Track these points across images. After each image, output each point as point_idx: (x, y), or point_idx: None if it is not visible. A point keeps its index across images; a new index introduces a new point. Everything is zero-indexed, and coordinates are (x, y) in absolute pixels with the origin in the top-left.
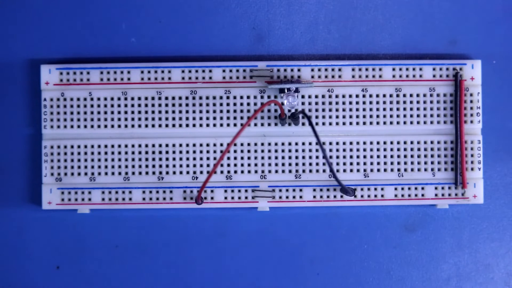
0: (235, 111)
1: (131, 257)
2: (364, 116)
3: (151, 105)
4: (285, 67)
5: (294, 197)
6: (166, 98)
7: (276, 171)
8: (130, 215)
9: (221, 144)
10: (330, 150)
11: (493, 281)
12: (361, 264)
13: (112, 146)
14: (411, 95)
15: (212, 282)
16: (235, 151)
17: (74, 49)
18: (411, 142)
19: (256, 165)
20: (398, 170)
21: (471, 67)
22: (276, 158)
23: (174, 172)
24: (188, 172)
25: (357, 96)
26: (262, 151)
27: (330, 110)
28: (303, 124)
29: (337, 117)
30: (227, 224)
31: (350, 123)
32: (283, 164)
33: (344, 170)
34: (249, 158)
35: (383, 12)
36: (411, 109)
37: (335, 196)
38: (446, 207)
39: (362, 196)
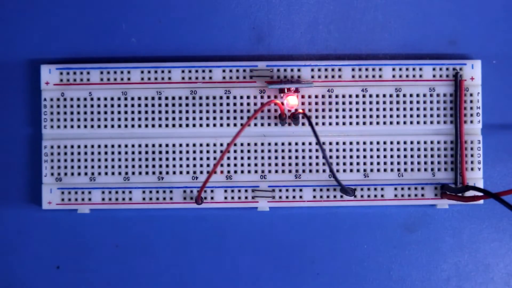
0: (235, 111)
1: (131, 257)
2: (364, 116)
3: (151, 105)
4: (285, 67)
5: (294, 197)
6: (166, 98)
7: (276, 171)
8: (130, 215)
9: (221, 144)
10: (330, 150)
11: (493, 281)
12: (361, 264)
13: (112, 146)
14: (411, 95)
15: (212, 282)
16: (235, 151)
17: (74, 49)
18: (411, 142)
19: (256, 165)
20: (398, 170)
21: (471, 67)
22: (276, 158)
23: (174, 172)
24: (188, 172)
25: (357, 96)
26: (262, 151)
27: (330, 110)
28: (303, 124)
29: (337, 117)
30: (227, 224)
31: (350, 123)
32: (283, 164)
33: (344, 170)
34: (249, 158)
35: (383, 12)
36: (411, 109)
37: (335, 196)
38: (446, 207)
39: (362, 196)
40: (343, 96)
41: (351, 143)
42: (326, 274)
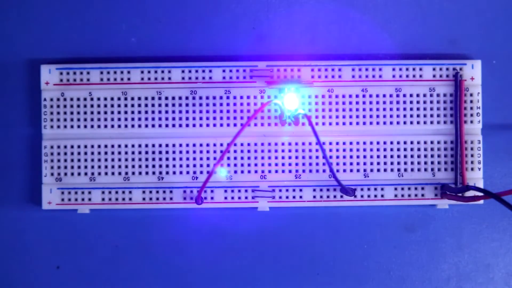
0: (235, 111)
1: (131, 257)
2: (364, 116)
3: (151, 105)
4: (285, 67)
5: (294, 197)
6: (166, 98)
7: (276, 171)
8: (130, 215)
9: (221, 144)
10: (330, 150)
11: (493, 281)
12: (361, 264)
13: (112, 146)
14: (411, 95)
15: (212, 282)
16: (235, 151)
17: (74, 49)
18: (411, 142)
19: (256, 165)
20: (398, 170)
21: (471, 67)
22: (276, 158)
23: (174, 172)
24: (188, 172)
25: (357, 96)
26: (262, 151)
27: (330, 110)
28: (303, 124)
29: (337, 117)
30: (227, 224)
31: (350, 123)
32: (283, 164)
33: (344, 170)
34: (249, 158)
35: (383, 12)
36: (411, 109)
37: (335, 196)
38: (446, 207)
39: (362, 196)
40: (343, 96)
41: (351, 143)
42: (326, 274)
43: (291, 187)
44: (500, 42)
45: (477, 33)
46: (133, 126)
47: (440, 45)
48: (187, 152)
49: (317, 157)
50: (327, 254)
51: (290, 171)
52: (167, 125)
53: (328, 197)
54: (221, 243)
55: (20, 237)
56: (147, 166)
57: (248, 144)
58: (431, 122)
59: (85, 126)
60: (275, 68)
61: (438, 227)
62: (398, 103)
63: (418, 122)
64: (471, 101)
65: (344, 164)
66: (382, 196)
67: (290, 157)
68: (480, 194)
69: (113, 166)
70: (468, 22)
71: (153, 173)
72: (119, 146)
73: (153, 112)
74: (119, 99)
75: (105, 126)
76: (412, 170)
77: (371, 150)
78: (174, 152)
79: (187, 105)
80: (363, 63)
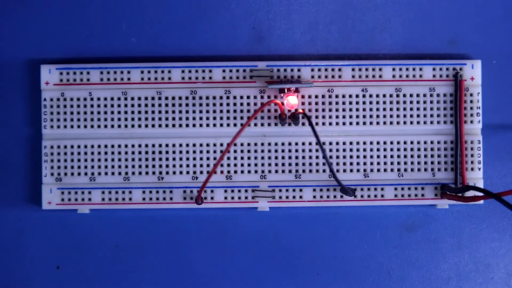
0: (235, 111)
1: (131, 257)
2: (364, 116)
3: (151, 105)
4: (285, 67)
5: (294, 197)
6: (166, 98)
7: (276, 171)
8: (130, 215)
9: (221, 144)
10: (330, 150)
11: (493, 281)
12: (361, 264)
13: (112, 146)
14: (411, 95)
15: (212, 282)
16: (235, 151)
17: (74, 49)
18: (411, 142)
19: (256, 165)
20: (398, 170)
21: (471, 67)
22: (276, 158)
23: (174, 172)
24: (188, 172)
25: (357, 96)
26: (262, 151)
27: (330, 110)
28: (303, 124)
29: (337, 117)
30: (227, 224)
31: (350, 123)
32: (283, 164)
33: (344, 170)
34: (249, 158)
35: (383, 12)
36: (411, 109)
37: (335, 196)
38: (446, 207)
39: (362, 196)
40: (343, 96)
41: (351, 143)
42: (326, 274)
43: (291, 187)
44: (500, 42)
45: (477, 33)
46: (133, 126)
47: (440, 45)
48: (187, 152)
49: (317, 157)
50: (327, 254)
51: (290, 171)
52: (167, 125)
53: (328, 197)
54: (221, 243)
55: (20, 237)
56: (147, 166)
57: (248, 144)
58: (431, 122)
59: (85, 126)
60: (275, 68)
61: (438, 227)
62: (398, 103)
63: (418, 122)
64: (471, 101)
65: (344, 164)
66: (382, 196)
67: (290, 157)
68: (480, 194)
69: (113, 166)
70: (468, 22)
71: (153, 173)
72: (119, 146)
73: (153, 112)
74: (119, 99)
75: (105, 126)
76: (412, 170)
77: (371, 150)
78: (174, 152)
79: (187, 105)
80: (363, 63)
